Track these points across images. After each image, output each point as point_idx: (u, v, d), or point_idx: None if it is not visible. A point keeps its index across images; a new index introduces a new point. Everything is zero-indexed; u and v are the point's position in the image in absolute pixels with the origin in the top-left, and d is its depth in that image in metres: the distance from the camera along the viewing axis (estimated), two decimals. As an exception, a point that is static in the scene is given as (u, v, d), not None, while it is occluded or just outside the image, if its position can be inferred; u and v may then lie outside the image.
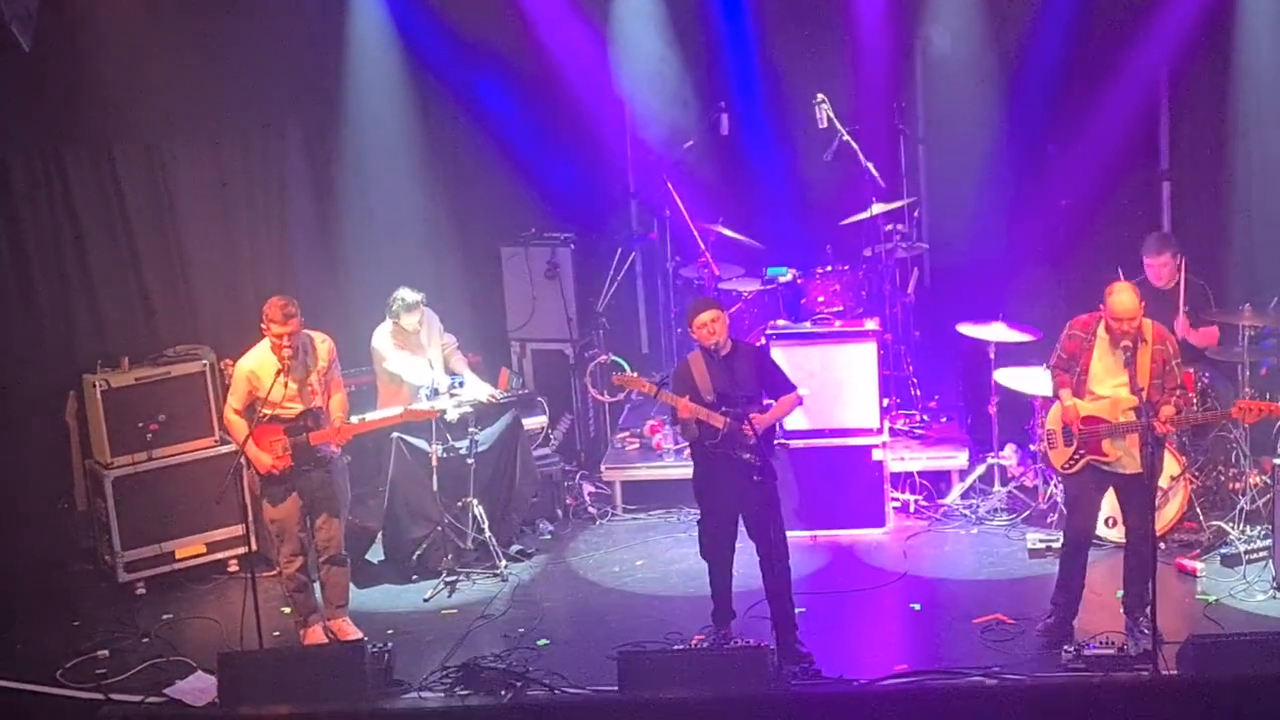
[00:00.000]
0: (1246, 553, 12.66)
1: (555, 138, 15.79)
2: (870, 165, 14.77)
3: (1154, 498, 11.73)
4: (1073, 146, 15.12)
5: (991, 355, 13.97)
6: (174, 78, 13.92)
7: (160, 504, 13.47)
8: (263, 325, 12.00)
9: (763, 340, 13.95)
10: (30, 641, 12.76)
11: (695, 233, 15.05)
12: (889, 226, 14.93)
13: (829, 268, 14.60)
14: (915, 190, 15.70)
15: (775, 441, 12.14)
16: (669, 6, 15.51)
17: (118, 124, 13.96)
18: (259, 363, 12.06)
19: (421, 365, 13.56)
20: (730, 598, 12.04)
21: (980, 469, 14.24)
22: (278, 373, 11.93)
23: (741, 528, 11.89)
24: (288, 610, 12.64)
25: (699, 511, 12.06)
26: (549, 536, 14.17)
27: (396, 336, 13.59)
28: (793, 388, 11.96)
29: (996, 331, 13.91)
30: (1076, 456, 11.58)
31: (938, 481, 14.27)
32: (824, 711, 10.11)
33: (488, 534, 13.38)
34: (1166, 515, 12.82)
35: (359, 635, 12.28)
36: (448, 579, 13.22)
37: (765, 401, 11.84)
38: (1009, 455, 14.13)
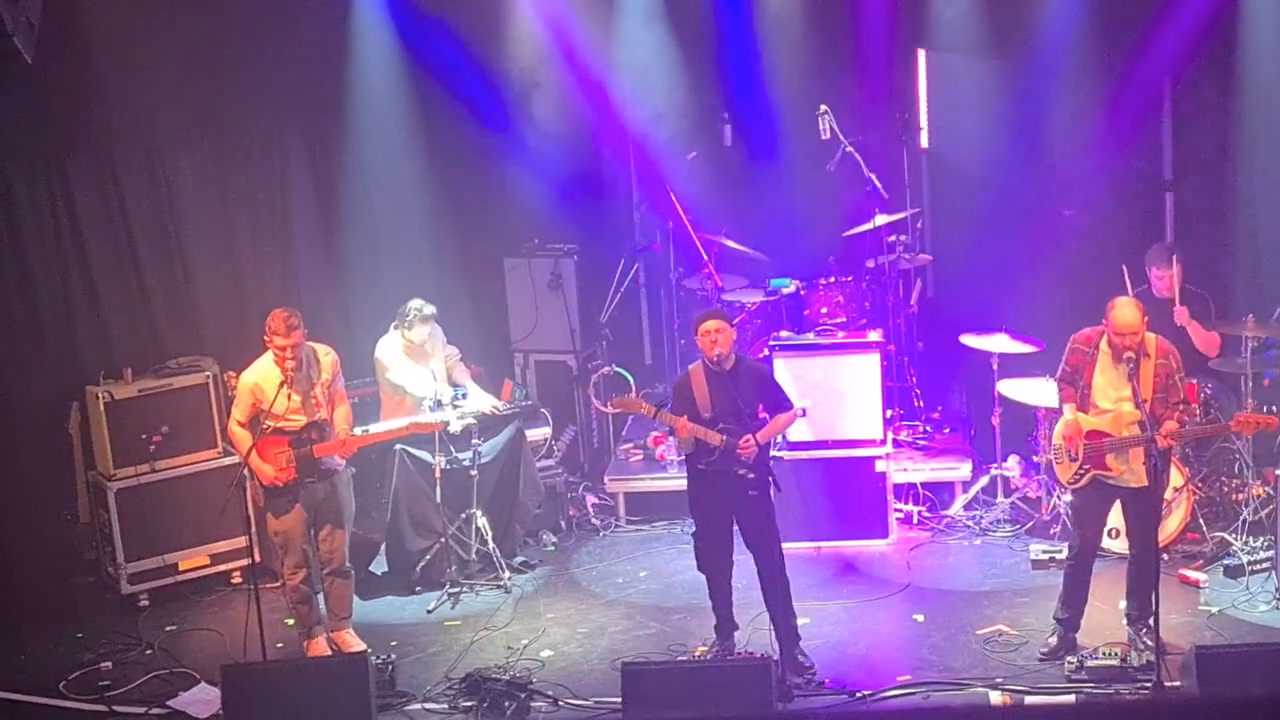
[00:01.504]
0: (1249, 564, 12.67)
1: (558, 149, 15.79)
2: (873, 176, 14.79)
3: (1159, 510, 11.74)
4: (1075, 157, 15.11)
5: (995, 366, 13.96)
6: (177, 89, 13.93)
7: (163, 516, 13.48)
8: (265, 337, 12.01)
9: (766, 351, 13.95)
10: (33, 653, 12.78)
11: (698, 244, 15.06)
12: (892, 237, 14.95)
13: (832, 279, 14.60)
14: (918, 201, 15.73)
15: (771, 454, 12.12)
16: (672, 18, 15.52)
17: (120, 134, 13.97)
18: (262, 375, 12.07)
19: (425, 376, 13.56)
20: (731, 609, 12.04)
21: (983, 480, 14.24)
22: (281, 385, 11.93)
23: (740, 541, 11.92)
24: (291, 622, 12.65)
25: (693, 525, 12.08)
26: (552, 548, 14.18)
27: (402, 346, 13.58)
28: (791, 405, 11.96)
29: (999, 342, 13.91)
30: (1082, 471, 11.58)
31: (941, 493, 14.28)
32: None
33: (491, 545, 13.39)
34: (1169, 527, 12.82)
35: (362, 647, 12.29)
36: (451, 590, 13.22)
37: (761, 415, 11.85)
38: (1012, 466, 14.13)
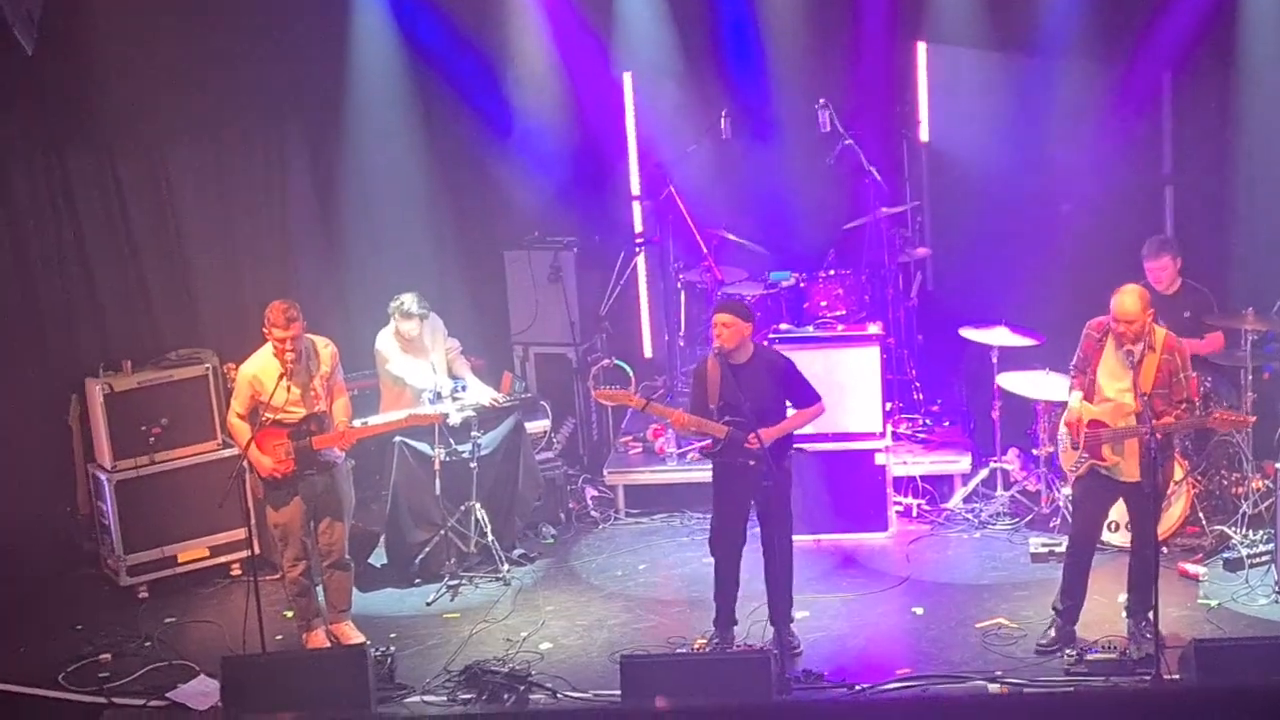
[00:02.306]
0: (1249, 557, 12.67)
1: (558, 141, 15.78)
2: (873, 169, 14.78)
3: (1159, 503, 11.73)
4: (1076, 150, 15.10)
5: (994, 359, 13.95)
6: (176, 82, 13.92)
7: (163, 508, 13.48)
8: (265, 329, 12.00)
9: (765, 344, 13.93)
10: (32, 645, 12.78)
11: (698, 237, 15.06)
12: (892, 230, 14.94)
13: (832, 272, 14.60)
14: (918, 194, 15.73)
15: (794, 447, 12.12)
16: (672, 11, 15.51)
17: (120, 127, 13.96)
18: (261, 367, 12.06)
19: (424, 368, 13.54)
20: (734, 601, 12.05)
21: (983, 473, 14.24)
22: (280, 377, 11.93)
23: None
24: (290, 614, 12.65)
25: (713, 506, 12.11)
26: (551, 540, 14.17)
27: (399, 339, 13.58)
28: (817, 399, 11.92)
29: (999, 336, 13.90)
30: (1081, 459, 11.58)
31: (940, 486, 14.26)
32: (825, 717, 10.10)
33: (490, 538, 13.38)
34: (1169, 520, 12.82)
35: (361, 639, 12.28)
36: (450, 583, 13.22)
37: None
38: (1011, 459, 14.14)
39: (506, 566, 13.40)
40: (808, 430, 13.38)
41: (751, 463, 11.58)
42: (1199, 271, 13.71)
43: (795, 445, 12.17)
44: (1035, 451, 13.88)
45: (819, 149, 15.02)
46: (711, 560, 12.14)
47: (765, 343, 13.91)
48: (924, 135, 15.86)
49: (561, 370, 15.69)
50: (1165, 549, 12.53)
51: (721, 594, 12.06)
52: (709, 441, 11.79)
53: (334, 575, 12.41)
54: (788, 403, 11.91)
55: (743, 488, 11.77)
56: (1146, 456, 11.23)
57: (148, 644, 12.67)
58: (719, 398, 11.69)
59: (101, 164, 14.06)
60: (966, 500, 14.17)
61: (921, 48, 15.67)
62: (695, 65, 15.69)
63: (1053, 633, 11.82)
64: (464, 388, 13.60)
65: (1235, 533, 12.95)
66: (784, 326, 14.41)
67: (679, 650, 11.99)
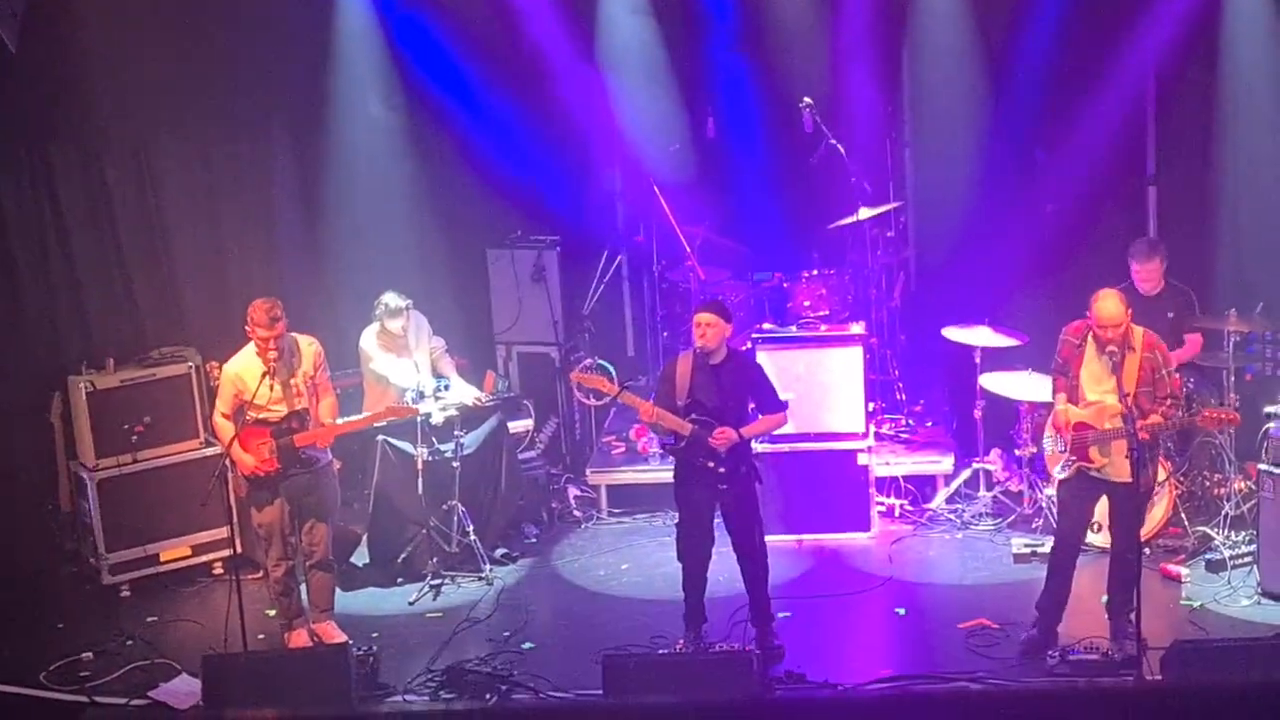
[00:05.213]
0: (1231, 558, 12.68)
1: (542, 140, 15.77)
2: (856, 170, 14.77)
3: (1142, 505, 11.75)
4: (1059, 151, 15.12)
5: (977, 360, 13.96)
6: (161, 79, 13.93)
7: (145, 506, 13.44)
8: (248, 328, 11.98)
9: (748, 344, 13.95)
10: (14, 644, 12.72)
11: (681, 236, 15.05)
12: (875, 231, 14.94)
13: (815, 272, 14.60)
14: (902, 194, 15.73)
15: (754, 447, 12.12)
16: (656, 10, 15.50)
17: (104, 125, 13.95)
18: (244, 366, 12.05)
19: (407, 367, 13.54)
20: (701, 601, 12.04)
21: (966, 473, 14.25)
22: (263, 375, 11.91)
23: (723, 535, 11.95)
24: (272, 613, 12.63)
25: (677, 515, 12.10)
26: (534, 540, 14.16)
27: (383, 338, 13.58)
28: (781, 407, 11.97)
29: (982, 336, 13.91)
30: (1068, 462, 11.58)
31: (923, 486, 14.26)
32: (808, 717, 10.11)
33: (473, 537, 13.37)
34: (1151, 521, 12.82)
35: (344, 638, 12.25)
36: (433, 582, 13.21)
37: (751, 407, 11.89)
38: (994, 460, 14.14)
39: (489, 566, 13.39)
40: (789, 430, 13.43)
41: (710, 464, 11.61)
42: (1182, 272, 13.73)
43: (763, 448, 12.18)
44: (1018, 452, 13.88)
45: (802, 149, 15.02)
46: (687, 561, 12.16)
47: (749, 343, 13.96)
48: (908, 135, 15.87)
49: (544, 369, 15.68)
50: (1147, 550, 12.54)
51: (689, 594, 12.04)
52: (673, 438, 11.79)
53: (316, 575, 12.40)
54: (751, 406, 11.92)
55: (704, 491, 11.80)
56: (1133, 456, 11.22)
57: (129, 642, 12.64)
58: (687, 395, 11.71)
59: (86, 162, 14.04)
60: (949, 501, 14.17)
61: (905, 48, 15.68)
62: (679, 64, 15.68)
63: (1034, 631, 11.82)
64: (447, 387, 13.60)
65: (1217, 534, 12.96)
66: (767, 326, 14.41)
67: (661, 650, 11.98)
